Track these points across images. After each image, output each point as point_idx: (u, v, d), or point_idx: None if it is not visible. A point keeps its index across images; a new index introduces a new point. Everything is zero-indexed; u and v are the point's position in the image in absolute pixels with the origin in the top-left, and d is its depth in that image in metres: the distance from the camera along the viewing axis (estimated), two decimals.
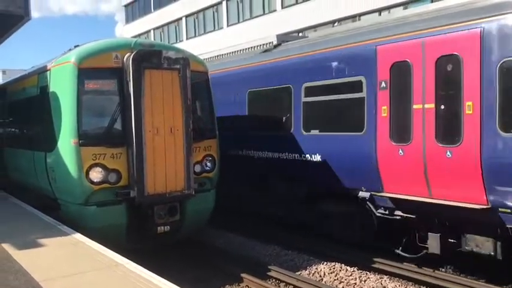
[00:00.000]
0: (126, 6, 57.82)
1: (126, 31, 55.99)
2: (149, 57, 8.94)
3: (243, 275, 9.04)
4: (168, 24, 48.98)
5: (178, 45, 23.45)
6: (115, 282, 5.92)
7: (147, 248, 9.33)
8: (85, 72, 8.81)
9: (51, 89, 9.63)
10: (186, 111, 9.27)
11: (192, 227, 9.96)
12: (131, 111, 8.74)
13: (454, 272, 9.12)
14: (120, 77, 8.96)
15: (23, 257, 6.98)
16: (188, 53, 9.98)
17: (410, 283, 8.80)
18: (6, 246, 7.59)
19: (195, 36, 44.58)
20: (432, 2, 23.61)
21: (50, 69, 9.87)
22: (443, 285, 8.49)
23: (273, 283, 8.97)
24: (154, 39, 48.69)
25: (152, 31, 51.66)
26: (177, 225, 9.44)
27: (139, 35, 50.68)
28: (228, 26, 39.80)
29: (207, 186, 10.14)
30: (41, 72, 10.47)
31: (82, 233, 8.24)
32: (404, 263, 9.39)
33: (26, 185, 11.98)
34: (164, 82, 9.06)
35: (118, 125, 9.01)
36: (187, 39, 45.55)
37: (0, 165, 13.73)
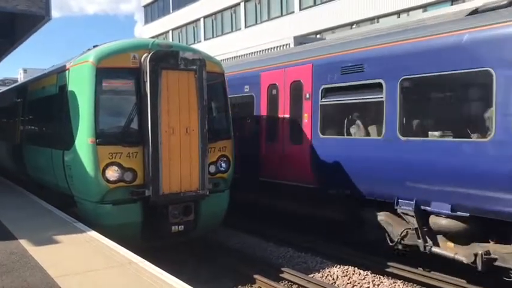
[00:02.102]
0: (145, 6, 58.41)
1: (145, 31, 56.56)
2: (166, 57, 9.01)
3: (255, 276, 9.05)
4: (186, 25, 49.32)
5: (196, 46, 23.57)
6: (128, 280, 5.97)
7: (161, 247, 9.41)
8: (103, 72, 8.92)
9: (70, 88, 9.77)
10: (202, 112, 9.32)
11: (206, 226, 10.00)
12: (148, 111, 8.82)
13: (471, 279, 8.96)
14: (137, 77, 9.04)
15: (39, 253, 7.08)
16: (205, 54, 10.04)
17: None
18: (23, 242, 7.72)
19: (212, 37, 44.80)
20: (452, 4, 23.37)
21: (68, 69, 10.02)
22: None
23: (286, 285, 8.96)
24: (172, 40, 49.11)
25: (171, 31, 52.06)
26: (191, 224, 9.48)
27: (158, 35, 51.14)
28: (245, 27, 39.90)
29: (221, 186, 10.18)
30: (60, 72, 10.62)
31: (96, 231, 8.33)
32: (419, 268, 9.29)
33: (43, 182, 12.15)
34: (181, 83, 9.13)
35: (134, 125, 9.11)
36: (205, 39, 45.80)
37: (19, 162, 13.95)
